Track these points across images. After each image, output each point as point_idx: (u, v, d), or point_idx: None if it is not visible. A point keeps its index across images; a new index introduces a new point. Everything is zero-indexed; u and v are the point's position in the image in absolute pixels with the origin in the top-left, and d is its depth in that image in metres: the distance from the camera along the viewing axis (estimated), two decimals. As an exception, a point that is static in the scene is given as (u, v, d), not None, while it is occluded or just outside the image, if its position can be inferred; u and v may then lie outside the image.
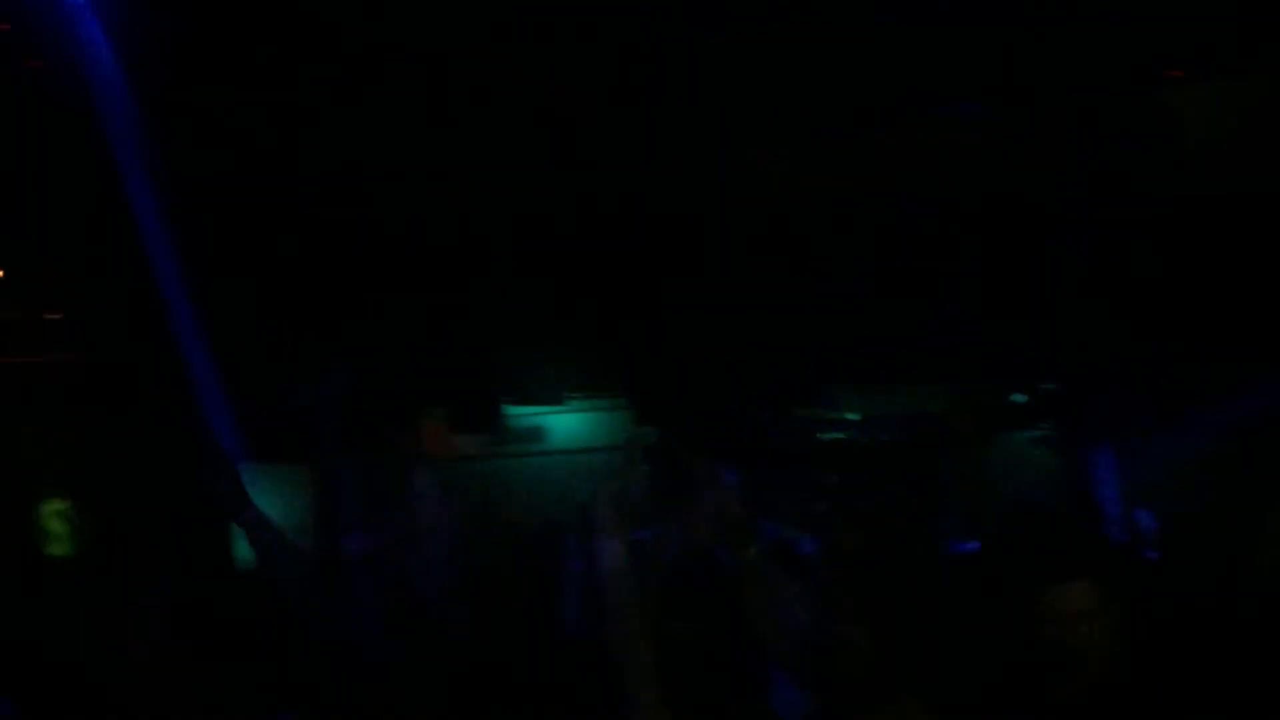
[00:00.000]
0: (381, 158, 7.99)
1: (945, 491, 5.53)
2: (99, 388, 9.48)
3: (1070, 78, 7.05)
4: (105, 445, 10.17)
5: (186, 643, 3.40)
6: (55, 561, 9.21)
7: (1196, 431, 7.07)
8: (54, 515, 9.80)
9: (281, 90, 7.18)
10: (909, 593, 2.55)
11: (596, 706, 2.89)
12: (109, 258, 8.38)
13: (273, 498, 9.46)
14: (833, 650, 2.53)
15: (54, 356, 9.13)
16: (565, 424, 10.21)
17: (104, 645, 3.50)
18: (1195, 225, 7.08)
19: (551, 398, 9.77)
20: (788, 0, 6.67)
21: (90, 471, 10.02)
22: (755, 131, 7.99)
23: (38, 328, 8.73)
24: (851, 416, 8.54)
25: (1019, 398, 7.95)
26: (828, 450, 8.54)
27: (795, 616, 2.98)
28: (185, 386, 9.29)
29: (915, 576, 2.68)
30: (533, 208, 8.37)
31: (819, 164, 8.30)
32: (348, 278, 8.95)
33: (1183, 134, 7.12)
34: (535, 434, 10.27)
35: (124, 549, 9.08)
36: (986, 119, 7.55)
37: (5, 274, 8.23)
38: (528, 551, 5.13)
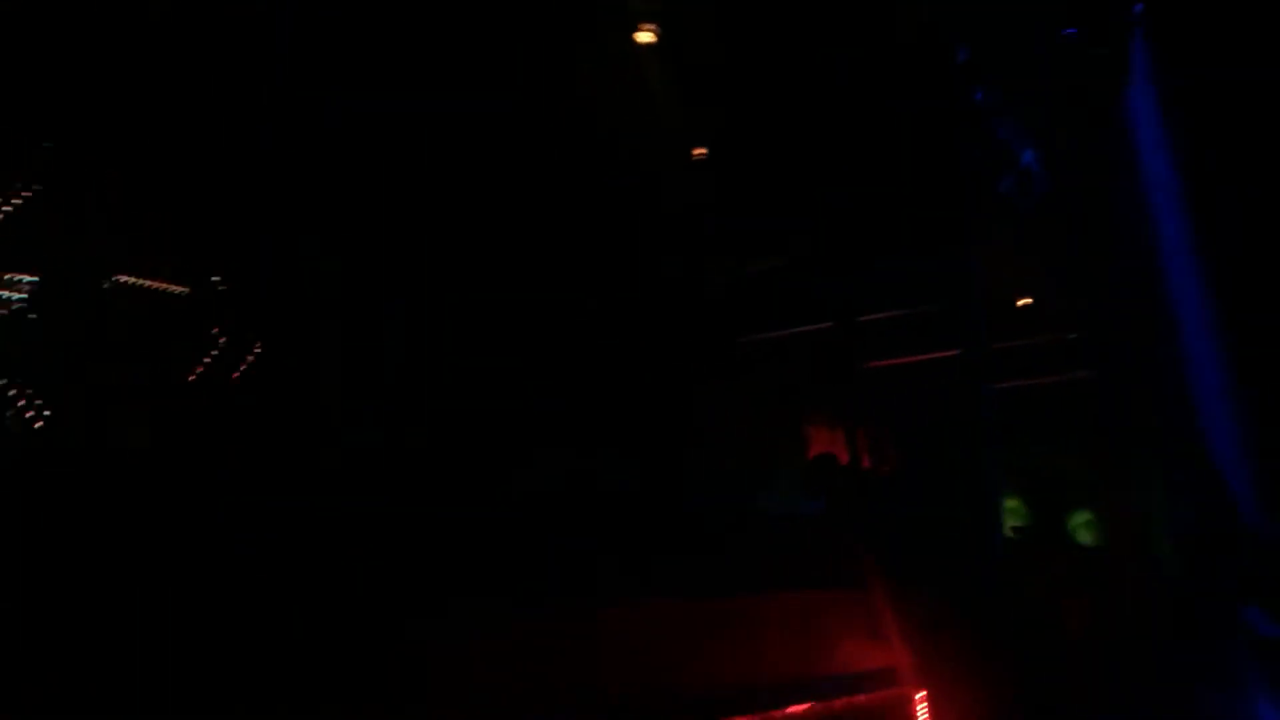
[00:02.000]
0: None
1: None
2: (1112, 405, 9.76)
3: None
4: (1117, 460, 10.42)
5: None
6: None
7: None
8: (1082, 527, 10.26)
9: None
10: None
11: None
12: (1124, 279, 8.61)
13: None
14: None
15: (1073, 376, 9.55)
16: None
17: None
18: None
19: None
20: None
21: (1107, 484, 10.33)
22: None
23: (1059, 349, 9.20)
24: None
25: None
26: None
27: None
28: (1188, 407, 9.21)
29: None
30: None
31: None
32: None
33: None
34: None
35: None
36: None
37: (1033, 301, 8.80)
38: None
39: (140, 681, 3.36)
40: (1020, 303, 8.97)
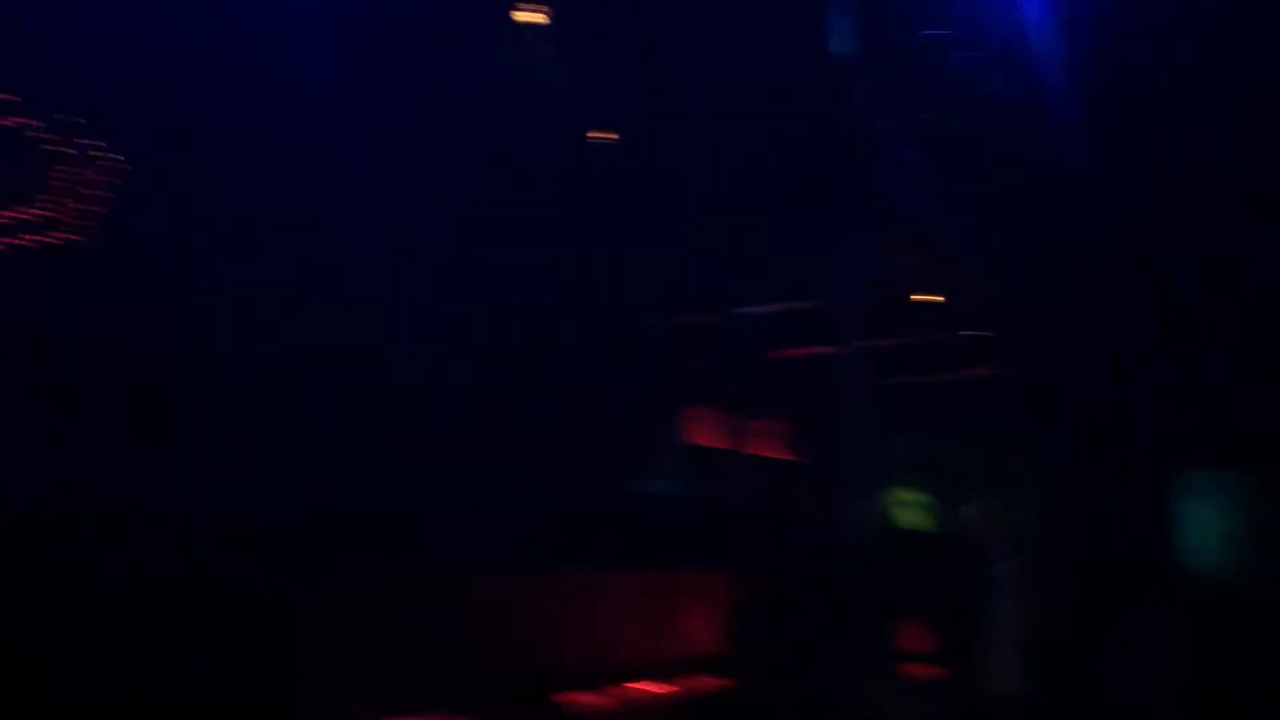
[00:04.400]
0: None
1: None
2: (1018, 401, 9.89)
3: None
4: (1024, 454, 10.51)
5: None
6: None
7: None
8: (979, 518, 10.41)
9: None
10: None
11: None
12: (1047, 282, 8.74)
13: (1209, 506, 9.16)
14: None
15: (981, 373, 9.71)
16: None
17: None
18: None
19: None
20: None
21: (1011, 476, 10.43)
22: None
23: (967, 347, 9.36)
24: None
25: None
26: None
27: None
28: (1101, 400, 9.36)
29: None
30: None
31: None
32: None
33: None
34: None
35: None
36: None
37: (945, 300, 8.95)
38: None
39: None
40: (923, 298, 9.09)
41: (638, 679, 5.84)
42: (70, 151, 4.77)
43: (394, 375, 5.80)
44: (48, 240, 4.74)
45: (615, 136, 7.30)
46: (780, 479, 8.33)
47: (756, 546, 6.47)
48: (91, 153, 4.84)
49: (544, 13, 6.45)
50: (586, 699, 5.37)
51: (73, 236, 4.75)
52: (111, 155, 4.86)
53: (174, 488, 4.35)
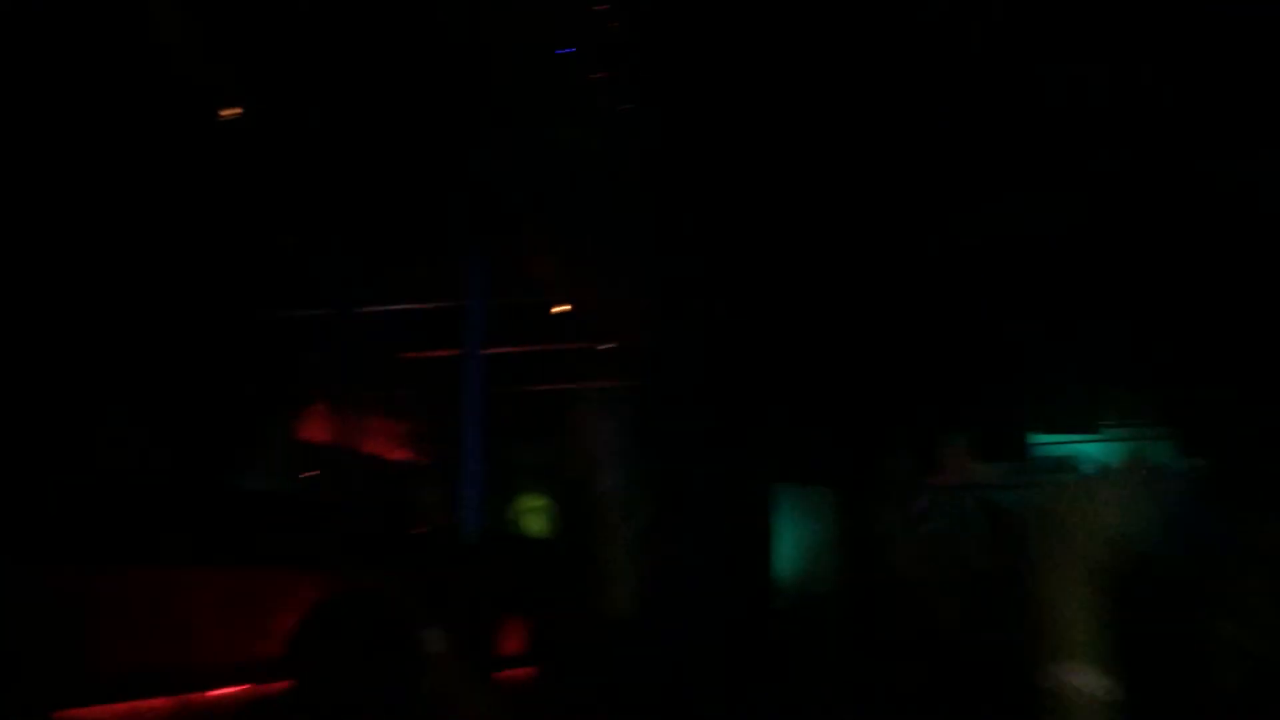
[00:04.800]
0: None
1: None
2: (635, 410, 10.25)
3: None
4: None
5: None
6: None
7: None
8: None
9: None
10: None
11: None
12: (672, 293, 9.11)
13: (801, 519, 9.86)
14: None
15: (607, 381, 9.99)
16: (1098, 453, 9.73)
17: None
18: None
19: (1083, 425, 9.34)
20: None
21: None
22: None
23: (597, 357, 9.62)
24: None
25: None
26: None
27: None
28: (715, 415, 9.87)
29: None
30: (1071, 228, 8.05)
31: None
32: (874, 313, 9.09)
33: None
34: (1064, 463, 9.85)
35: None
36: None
37: (573, 309, 9.15)
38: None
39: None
40: (558, 308, 9.26)
41: (205, 683, 5.59)
42: None
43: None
44: None
45: (239, 111, 7.03)
46: (397, 480, 8.24)
47: (359, 546, 6.36)
48: None
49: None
50: (117, 708, 5.07)
51: None
52: None
53: None
